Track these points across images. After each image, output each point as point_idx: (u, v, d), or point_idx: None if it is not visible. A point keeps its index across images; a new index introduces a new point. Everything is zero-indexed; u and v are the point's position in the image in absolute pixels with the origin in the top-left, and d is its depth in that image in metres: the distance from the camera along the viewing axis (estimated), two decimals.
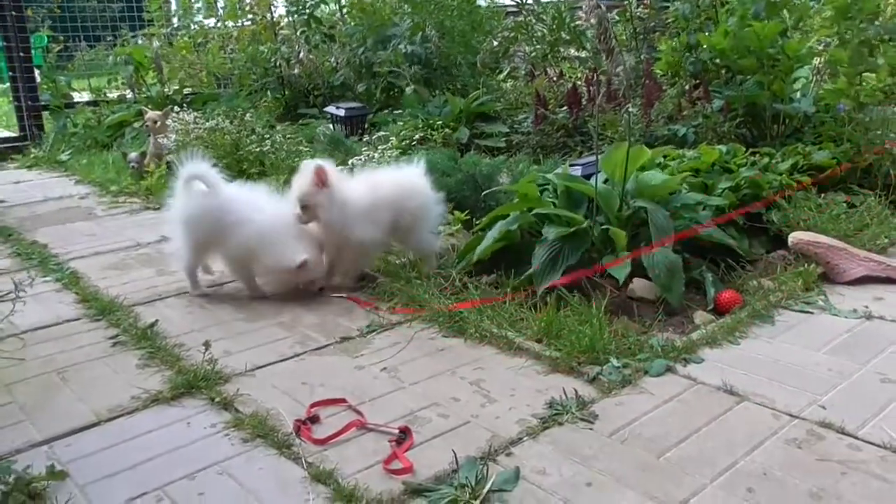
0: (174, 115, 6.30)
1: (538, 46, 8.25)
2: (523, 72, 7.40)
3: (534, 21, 8.55)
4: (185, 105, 7.02)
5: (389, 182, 3.79)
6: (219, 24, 9.50)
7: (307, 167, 3.57)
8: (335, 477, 2.15)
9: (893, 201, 4.48)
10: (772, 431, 2.34)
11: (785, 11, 5.48)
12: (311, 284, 3.64)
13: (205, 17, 10.10)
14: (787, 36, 5.31)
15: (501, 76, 8.11)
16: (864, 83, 4.99)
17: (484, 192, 4.04)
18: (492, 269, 3.68)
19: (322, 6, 8.52)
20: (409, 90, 6.88)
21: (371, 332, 3.21)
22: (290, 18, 8.54)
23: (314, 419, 2.48)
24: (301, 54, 7.65)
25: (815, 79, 5.69)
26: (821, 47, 5.87)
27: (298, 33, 8.28)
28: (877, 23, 5.18)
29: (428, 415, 2.51)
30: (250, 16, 8.87)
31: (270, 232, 3.48)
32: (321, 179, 3.49)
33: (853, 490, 2.04)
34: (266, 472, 2.22)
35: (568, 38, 8.08)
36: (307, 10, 8.30)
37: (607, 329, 2.98)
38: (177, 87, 8.52)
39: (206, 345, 2.89)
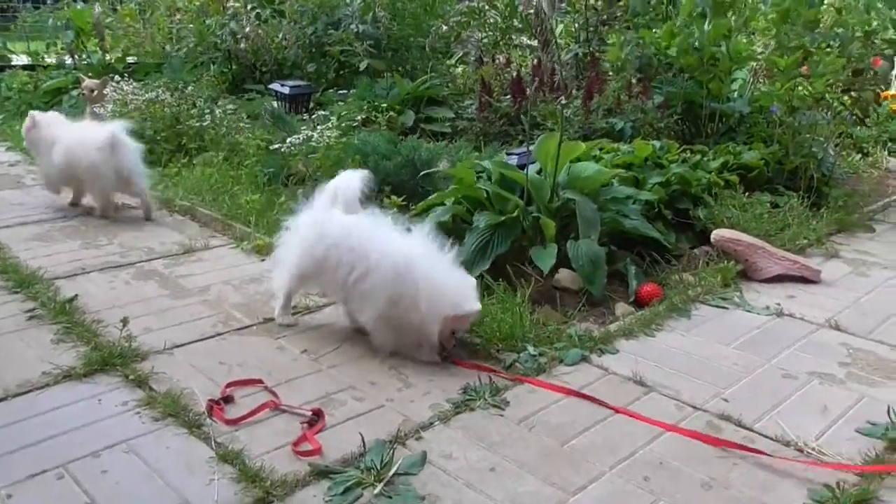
0: (113, 84, 6.14)
1: (490, 33, 8.27)
2: (473, 58, 7.41)
3: (486, 7, 8.57)
4: (126, 75, 6.84)
5: None
6: None
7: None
8: (242, 457, 2.16)
9: (815, 203, 4.65)
10: (674, 422, 2.42)
11: (730, 13, 5.60)
12: (449, 340, 2.79)
13: None
14: (730, 37, 5.43)
15: (452, 61, 8.11)
16: (798, 88, 5.13)
17: (420, 174, 4.04)
18: None
19: None
20: (362, 66, 6.82)
21: (296, 314, 3.20)
22: None
23: (228, 399, 2.48)
24: (248, 29, 7.50)
25: (752, 81, 5.84)
26: (761, 50, 6.03)
27: (248, 8, 8.11)
28: (816, 31, 5.35)
29: (343, 398, 2.53)
30: None
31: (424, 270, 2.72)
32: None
33: (741, 480, 2.13)
34: (173, 452, 2.21)
35: (520, 26, 8.12)
36: None
37: (528, 318, 3.04)
38: (119, 56, 8.29)
39: (125, 321, 2.85)
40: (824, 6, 5.72)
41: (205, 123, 5.63)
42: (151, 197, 4.63)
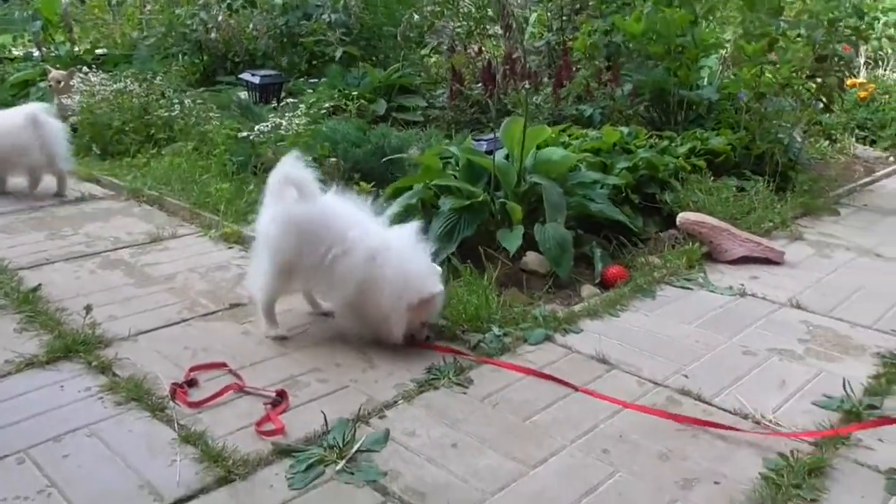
0: (80, 75, 6.07)
1: (463, 23, 8.28)
2: (445, 47, 7.41)
3: None
4: (94, 66, 6.77)
5: None
6: None
7: None
8: (205, 438, 2.16)
9: (782, 188, 4.71)
10: (634, 398, 2.45)
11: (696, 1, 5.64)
12: (420, 331, 2.78)
13: None
14: (696, 24, 5.47)
15: (425, 51, 8.10)
16: (765, 75, 5.19)
17: (385, 158, 4.05)
18: None
19: None
20: (338, 53, 6.80)
21: None
22: None
23: (192, 383, 2.47)
24: (220, 19, 7.45)
25: (721, 68, 5.90)
26: (729, 38, 6.09)
27: None
28: (780, 19, 5.40)
29: (308, 379, 2.54)
30: None
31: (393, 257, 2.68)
32: None
33: (699, 452, 2.17)
34: (136, 435, 2.21)
35: (493, 15, 8.12)
36: None
37: (495, 300, 3.06)
38: (87, 47, 8.19)
39: (88, 308, 2.84)
40: None
41: (174, 113, 5.59)
42: (68, 174, 4.84)
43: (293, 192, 2.74)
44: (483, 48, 7.07)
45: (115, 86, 5.84)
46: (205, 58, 7.99)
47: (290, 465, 2.05)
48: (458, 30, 8.16)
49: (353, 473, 2.03)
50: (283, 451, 2.11)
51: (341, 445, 2.12)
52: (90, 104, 5.69)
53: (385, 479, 2.01)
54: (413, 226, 2.79)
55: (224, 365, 2.60)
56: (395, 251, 2.68)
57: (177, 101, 5.74)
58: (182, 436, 2.18)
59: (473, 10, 8.38)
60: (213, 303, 3.16)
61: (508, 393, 2.47)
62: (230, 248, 3.84)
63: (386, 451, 2.14)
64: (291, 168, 2.74)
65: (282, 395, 2.38)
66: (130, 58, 7.94)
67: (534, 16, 7.79)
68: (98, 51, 8.33)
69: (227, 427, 2.24)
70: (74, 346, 2.68)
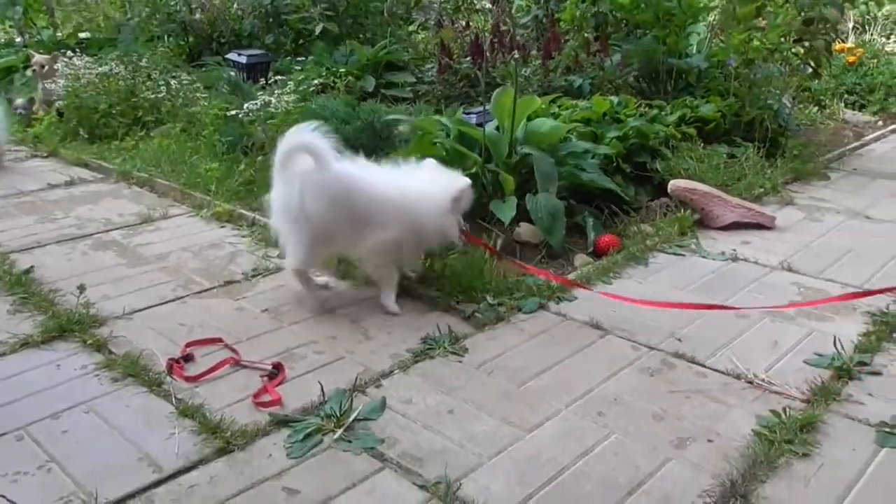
0: (64, 59, 6.01)
1: None
2: (433, 22, 7.37)
3: None
4: (78, 50, 6.69)
5: None
6: None
7: None
8: (203, 411, 2.17)
9: (772, 154, 4.72)
10: (629, 362, 2.48)
11: None
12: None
13: None
14: None
15: (412, 27, 8.05)
16: (753, 41, 5.17)
17: (383, 119, 4.02)
18: None
19: None
20: (318, 29, 6.75)
21: (256, 276, 3.20)
22: None
23: (188, 358, 2.48)
24: None
25: (709, 36, 5.88)
26: (716, 3, 6.06)
27: None
28: None
29: (304, 352, 2.55)
30: None
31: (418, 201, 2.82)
32: None
33: (693, 411, 2.20)
34: (133, 410, 2.22)
35: None
36: None
37: (487, 270, 3.06)
38: (70, 31, 8.10)
39: (81, 288, 2.84)
40: None
41: (160, 95, 5.55)
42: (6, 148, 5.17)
43: (308, 160, 2.72)
44: (471, 22, 7.02)
45: (100, 69, 5.79)
46: (190, 39, 7.91)
47: (287, 435, 2.07)
48: (446, 5, 8.12)
49: (350, 441, 2.04)
50: (281, 422, 2.13)
51: (338, 415, 2.14)
52: (75, 88, 5.64)
53: (382, 446, 2.03)
54: (428, 162, 2.97)
55: (220, 340, 2.60)
56: (414, 179, 2.88)
57: (163, 82, 5.69)
58: (180, 409, 2.19)
59: None
60: (208, 280, 3.16)
61: (503, 360, 2.49)
62: (222, 226, 3.83)
63: (383, 419, 2.15)
64: (307, 136, 2.72)
65: (278, 367, 2.40)
66: (115, 41, 7.86)
67: None
68: (81, 34, 8.25)
69: (225, 400, 2.25)
70: (69, 326, 2.68)
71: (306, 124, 2.77)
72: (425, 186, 2.85)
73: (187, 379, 2.35)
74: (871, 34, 8.23)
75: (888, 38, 8.14)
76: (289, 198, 2.74)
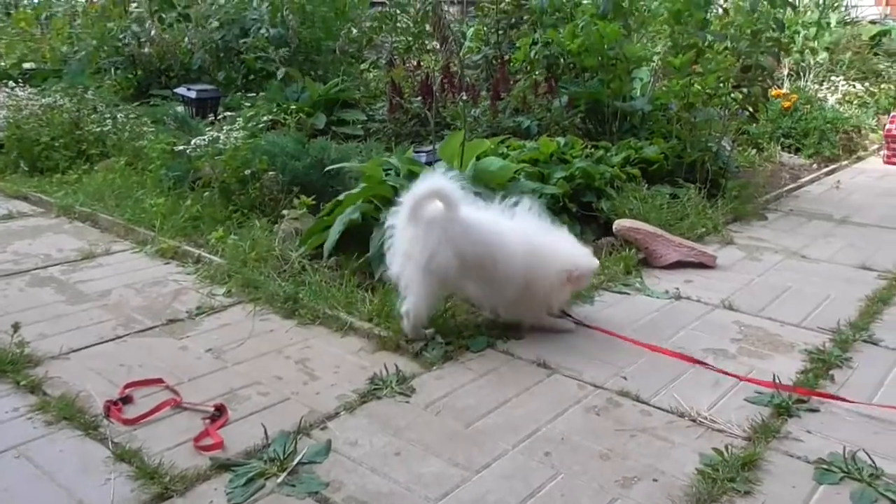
0: (6, 90, 5.88)
1: (402, 38, 8.32)
2: (384, 61, 7.44)
3: (398, 12, 8.62)
4: (21, 81, 6.56)
5: None
6: None
7: None
8: (140, 455, 2.10)
9: (713, 194, 4.87)
10: (575, 400, 2.49)
11: (628, 15, 5.79)
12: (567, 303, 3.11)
13: None
14: (629, 38, 5.62)
15: (364, 65, 8.11)
16: (693, 86, 5.36)
17: (326, 168, 4.01)
18: (333, 252, 3.69)
19: None
20: (280, 73, 6.75)
21: (201, 314, 3.14)
22: None
23: (127, 400, 2.41)
24: (153, 32, 7.32)
25: (652, 80, 6.07)
26: (659, 50, 6.27)
27: (151, 12, 7.92)
28: (706, 31, 5.58)
29: (248, 393, 2.50)
30: None
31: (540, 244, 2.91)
32: None
33: (638, 450, 2.22)
34: (68, 454, 2.14)
35: (432, 30, 8.19)
36: None
37: (440, 310, 3.06)
38: (14, 62, 7.94)
39: (16, 326, 2.74)
40: (714, 8, 5.99)
41: (106, 128, 5.46)
42: None
43: (437, 205, 2.73)
44: (421, 62, 7.11)
45: (43, 100, 5.69)
46: (139, 72, 7.83)
47: (229, 480, 2.02)
48: (397, 45, 8.21)
49: (294, 486, 2.00)
50: (223, 466, 2.07)
51: (282, 458, 2.10)
52: (17, 119, 5.51)
53: (327, 490, 1.99)
54: (534, 208, 3.00)
55: (161, 381, 2.54)
56: (544, 238, 2.93)
57: (109, 115, 5.60)
58: (116, 453, 2.12)
59: (412, 25, 8.45)
60: (150, 318, 3.09)
61: (451, 400, 2.48)
62: (167, 263, 3.76)
63: (328, 462, 2.12)
64: (438, 182, 2.74)
65: (220, 409, 2.34)
66: (60, 72, 7.72)
67: (471, 30, 7.89)
68: (26, 65, 8.08)
69: (164, 443, 2.18)
70: (1, 366, 2.58)
71: (439, 170, 2.82)
72: (555, 247, 2.92)
73: (125, 422, 2.28)
74: (806, 81, 8.60)
75: (821, 85, 8.52)
76: (416, 244, 2.73)
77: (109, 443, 2.17)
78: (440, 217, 2.72)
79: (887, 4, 12.15)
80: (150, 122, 5.61)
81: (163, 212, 4.24)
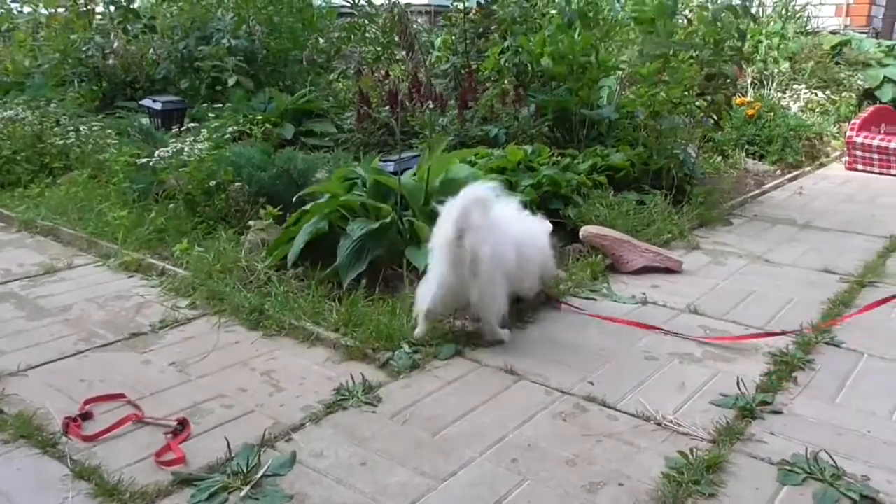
0: None
1: (371, 48, 8.32)
2: (352, 71, 7.43)
3: (367, 22, 8.63)
4: None
5: None
6: (34, 10, 8.79)
7: None
8: (100, 472, 2.06)
9: (679, 201, 4.92)
10: (542, 406, 2.49)
11: (596, 25, 5.85)
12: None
13: (20, 4, 9.30)
14: (597, 47, 5.67)
15: (333, 76, 8.10)
16: (659, 94, 5.42)
17: (295, 197, 3.97)
18: (299, 263, 3.66)
19: None
20: (231, 81, 6.69)
21: (164, 327, 3.10)
22: (107, 9, 8.10)
23: (86, 416, 2.36)
24: (116, 45, 7.23)
25: (619, 88, 6.14)
26: (625, 59, 6.34)
27: (115, 23, 7.84)
28: (672, 41, 5.66)
29: (212, 406, 2.46)
30: (64, 2, 8.29)
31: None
32: None
33: (604, 455, 2.22)
34: (25, 473, 2.09)
35: (400, 40, 8.20)
36: (123, 4, 7.92)
37: (406, 318, 3.05)
38: None
39: None
40: (679, 19, 6.07)
41: (69, 141, 5.37)
42: None
43: (478, 211, 2.76)
44: (390, 72, 7.12)
45: (5, 113, 5.59)
46: (104, 84, 7.73)
47: (191, 495, 1.98)
48: (366, 55, 8.20)
49: (257, 499, 1.97)
50: (184, 481, 2.04)
51: (245, 471, 2.07)
52: None
53: (292, 503, 1.97)
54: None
55: (122, 396, 2.49)
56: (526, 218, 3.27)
57: (72, 128, 5.52)
58: (75, 471, 2.07)
59: (380, 35, 8.45)
60: (112, 333, 3.04)
61: (418, 409, 2.47)
62: (131, 276, 3.71)
63: (292, 474, 2.09)
64: (485, 192, 2.78)
65: (183, 423, 2.31)
66: (23, 85, 7.60)
67: (439, 40, 7.92)
68: None
69: (125, 459, 2.14)
70: None
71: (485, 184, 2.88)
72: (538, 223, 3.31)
73: (85, 438, 2.23)
74: (769, 89, 8.74)
75: (784, 93, 8.67)
76: (478, 253, 2.76)
77: (68, 460, 2.13)
78: (485, 218, 2.77)
79: (847, 15, 12.44)
80: (115, 134, 5.53)
81: (126, 224, 4.17)
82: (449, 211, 2.78)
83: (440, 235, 2.82)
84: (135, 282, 3.63)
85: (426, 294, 2.89)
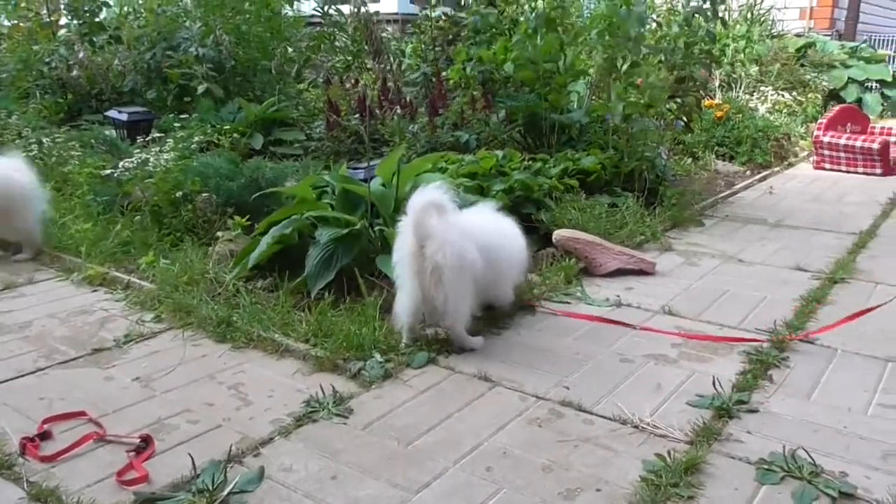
0: None
1: (341, 57, 8.28)
2: (322, 80, 7.37)
3: (336, 31, 8.58)
4: None
5: None
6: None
7: None
8: (58, 494, 1.98)
9: (651, 203, 4.92)
10: (517, 413, 2.45)
11: (561, 29, 5.85)
12: None
13: None
14: (563, 51, 5.67)
15: (303, 85, 8.03)
16: (629, 97, 5.42)
17: (256, 194, 3.91)
18: (268, 273, 3.59)
19: (106, 8, 8.02)
20: (201, 88, 6.60)
21: (129, 342, 3.01)
22: (71, 21, 7.98)
23: (45, 435, 2.27)
24: (81, 55, 7.11)
25: (588, 92, 6.14)
26: (593, 62, 6.34)
27: (80, 35, 7.71)
28: (643, 45, 5.68)
29: (177, 422, 2.38)
30: (26, 13, 8.16)
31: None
32: None
33: (581, 460, 2.18)
34: None
35: (370, 49, 8.16)
36: (87, 16, 7.79)
37: (377, 327, 2.99)
38: None
39: None
40: (648, 23, 6.10)
41: (31, 154, 5.24)
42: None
43: (433, 215, 2.71)
44: (360, 80, 7.07)
45: None
46: (69, 96, 7.60)
47: None
48: (337, 64, 8.15)
49: None
50: (147, 500, 1.96)
51: (211, 488, 1.99)
52: None
53: None
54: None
55: (83, 414, 2.40)
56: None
57: (35, 140, 5.40)
58: (32, 493, 1.99)
59: (349, 44, 8.41)
60: (74, 349, 2.94)
61: (391, 419, 2.41)
62: (95, 290, 3.61)
63: (261, 490, 2.02)
64: (429, 194, 2.72)
65: (146, 440, 2.23)
66: None
67: (409, 48, 7.89)
68: None
69: (85, 480, 2.06)
70: None
71: (435, 186, 2.80)
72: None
73: (43, 459, 2.15)
74: (737, 91, 8.83)
75: (751, 95, 8.76)
76: (437, 256, 2.72)
77: (24, 482, 2.04)
78: (445, 222, 2.73)
79: (810, 18, 12.64)
80: (79, 146, 5.41)
81: (91, 238, 4.07)
82: (405, 221, 2.74)
83: (401, 247, 2.79)
84: (99, 296, 3.54)
85: (401, 309, 2.85)
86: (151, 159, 4.33)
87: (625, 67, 5.29)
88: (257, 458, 2.18)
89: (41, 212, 4.15)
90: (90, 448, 2.22)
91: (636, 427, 2.36)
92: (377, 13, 8.30)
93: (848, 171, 6.90)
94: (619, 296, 3.53)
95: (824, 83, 9.45)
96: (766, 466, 2.14)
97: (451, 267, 2.72)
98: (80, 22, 8.21)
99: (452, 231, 2.74)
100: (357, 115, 5.79)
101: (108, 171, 4.42)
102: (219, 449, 2.21)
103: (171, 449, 2.22)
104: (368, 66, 8.49)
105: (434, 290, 2.73)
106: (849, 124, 7.25)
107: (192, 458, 2.10)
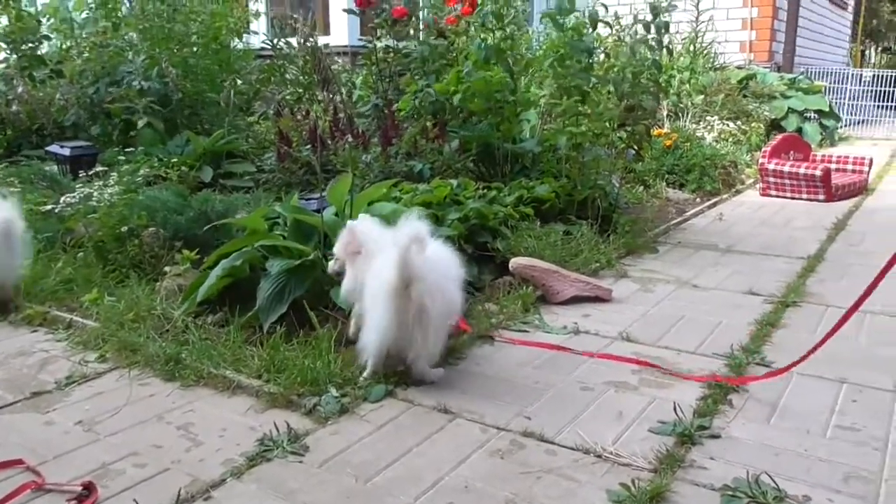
0: None
1: (292, 89, 8.22)
2: (272, 112, 7.30)
3: (287, 64, 8.53)
4: None
5: None
6: None
7: None
8: None
9: (604, 230, 4.95)
10: (479, 445, 2.39)
11: (510, 61, 5.91)
12: None
13: None
14: (514, 82, 5.72)
15: (254, 117, 7.95)
16: (581, 126, 5.49)
17: (206, 227, 3.81)
18: (219, 308, 3.48)
19: (47, 41, 7.84)
20: (141, 123, 6.46)
21: (71, 383, 2.86)
22: (10, 55, 7.78)
23: None
24: (20, 90, 6.91)
25: (540, 122, 6.20)
26: (544, 93, 6.42)
27: (20, 69, 7.52)
28: (591, 74, 5.77)
29: (122, 466, 2.26)
30: None
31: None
32: None
33: (544, 492, 2.13)
34: None
35: (319, 79, 8.12)
36: (27, 49, 7.61)
37: (332, 360, 2.91)
38: None
39: None
40: (596, 54, 6.21)
41: None
42: None
43: (418, 251, 2.60)
44: (311, 111, 7.02)
45: None
46: (8, 132, 7.38)
47: None
48: (287, 96, 8.08)
49: None
50: None
51: None
52: None
53: None
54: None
55: (20, 462, 2.26)
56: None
57: None
58: None
59: (300, 76, 8.36)
60: (11, 393, 2.79)
61: (348, 456, 2.32)
62: (34, 331, 3.45)
63: None
64: (417, 227, 2.63)
65: (89, 487, 2.10)
66: None
67: (359, 78, 7.89)
68: None
69: None
70: None
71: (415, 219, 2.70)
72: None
73: None
74: (684, 121, 9.05)
75: (698, 124, 8.98)
76: (423, 296, 2.62)
77: None
78: (428, 262, 2.64)
79: (751, 51, 13.09)
80: (18, 182, 5.23)
81: (30, 276, 3.90)
82: (388, 255, 2.63)
83: (381, 283, 2.65)
84: (38, 336, 3.38)
85: (370, 343, 2.74)
86: (95, 194, 4.19)
87: (574, 97, 5.36)
88: (208, 502, 2.07)
89: None
90: (27, 498, 2.09)
91: (599, 456, 2.32)
92: (327, 45, 8.29)
93: (793, 198, 7.08)
94: (576, 323, 3.52)
95: (766, 113, 9.76)
96: (730, 493, 2.12)
97: (439, 313, 2.67)
98: (20, 56, 8.02)
99: (435, 273, 2.67)
100: (308, 146, 5.73)
101: (48, 207, 4.26)
102: (167, 493, 2.09)
103: (116, 495, 2.10)
104: (319, 97, 8.47)
105: (415, 330, 2.65)
106: (792, 152, 7.47)
107: None
